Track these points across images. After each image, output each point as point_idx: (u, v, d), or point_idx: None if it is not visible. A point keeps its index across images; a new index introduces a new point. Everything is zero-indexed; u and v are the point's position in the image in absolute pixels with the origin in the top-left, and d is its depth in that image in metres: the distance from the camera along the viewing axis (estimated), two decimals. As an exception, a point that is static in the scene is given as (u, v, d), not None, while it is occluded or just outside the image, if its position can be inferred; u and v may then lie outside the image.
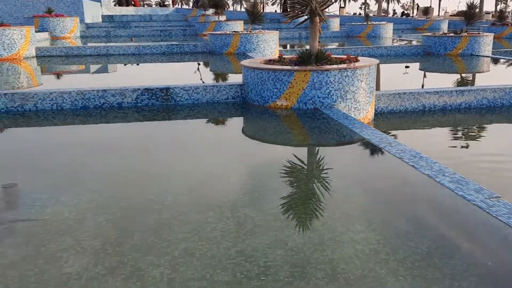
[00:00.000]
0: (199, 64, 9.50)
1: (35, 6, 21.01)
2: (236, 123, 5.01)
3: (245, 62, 5.31)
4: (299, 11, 5.10)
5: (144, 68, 9.33)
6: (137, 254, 1.99)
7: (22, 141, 4.18)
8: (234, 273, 1.84)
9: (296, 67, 4.67)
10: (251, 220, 2.31)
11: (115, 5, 34.69)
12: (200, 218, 2.34)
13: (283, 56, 5.53)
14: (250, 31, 9.99)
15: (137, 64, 9.48)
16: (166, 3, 41.44)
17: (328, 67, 4.56)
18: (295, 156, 3.52)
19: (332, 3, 5.22)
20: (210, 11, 20.26)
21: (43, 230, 2.24)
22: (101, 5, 26.65)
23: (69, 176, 3.05)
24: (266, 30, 10.63)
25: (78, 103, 4.96)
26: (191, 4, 44.81)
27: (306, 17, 5.14)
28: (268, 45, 9.73)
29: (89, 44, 12.23)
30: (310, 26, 5.24)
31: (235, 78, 7.57)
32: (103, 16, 25.45)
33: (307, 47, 5.84)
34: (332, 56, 5.18)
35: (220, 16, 16.29)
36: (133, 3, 33.33)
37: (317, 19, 5.12)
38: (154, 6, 54.78)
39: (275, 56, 6.06)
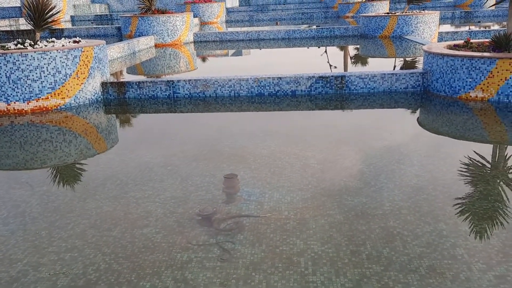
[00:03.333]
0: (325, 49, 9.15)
1: (182, -7, 22.49)
2: (415, 114, 4.64)
3: (427, 48, 4.85)
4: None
5: (296, 53, 9.29)
6: (378, 267, 1.83)
7: (206, 127, 4.37)
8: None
9: (499, 54, 4.09)
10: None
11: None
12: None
13: (470, 40, 4.94)
14: (407, 12, 9.28)
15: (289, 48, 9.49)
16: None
17: (544, 54, 3.91)
18: (486, 154, 3.09)
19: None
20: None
21: (269, 229, 2.20)
22: (239, -11, 27.52)
23: (269, 168, 3.04)
24: (425, 11, 9.77)
25: (254, 90, 5.04)
26: None
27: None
28: (428, 27, 8.94)
29: (242, 29, 12.64)
30: (510, 7, 4.56)
31: (386, 64, 7.11)
32: (240, 0, 26.26)
33: (466, 28, 5.12)
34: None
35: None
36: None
37: (522, -3, 4.43)
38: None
39: (456, 42, 5.45)
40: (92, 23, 16.89)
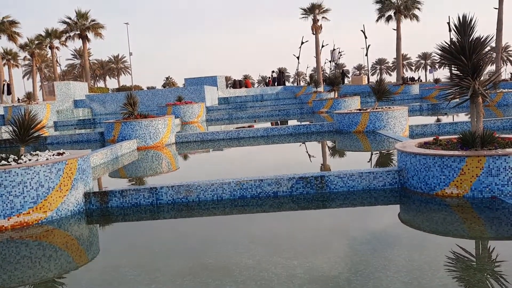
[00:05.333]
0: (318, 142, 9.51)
1: (164, 95, 23.49)
2: (395, 211, 4.74)
3: (400, 146, 5.11)
4: (460, 93, 4.86)
5: (275, 150, 9.58)
6: None
7: (190, 236, 4.34)
8: None
9: (467, 152, 4.34)
10: None
11: (229, 87, 37.46)
12: None
13: (439, 138, 5.24)
14: (378, 108, 9.86)
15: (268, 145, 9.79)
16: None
17: (508, 150, 4.16)
18: (469, 250, 3.16)
19: (498, 81, 4.90)
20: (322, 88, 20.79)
21: None
22: (217, 89, 28.96)
23: (255, 281, 2.99)
24: (395, 106, 10.39)
25: (236, 193, 5.12)
26: (266, 82, 46.73)
27: (467, 97, 4.87)
28: (399, 121, 9.46)
29: (222, 128, 13.10)
30: (471, 107, 4.94)
31: (363, 159, 7.39)
32: (219, 99, 27.50)
33: (435, 119, 5.48)
34: (499, 136, 4.77)
35: (336, 93, 16.54)
36: (245, 84, 35.72)
37: (480, 99, 4.82)
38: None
39: (426, 139, 5.76)
40: (75, 128, 17.25)
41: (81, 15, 49.62)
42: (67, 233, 4.70)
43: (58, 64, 66.23)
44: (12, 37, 46.45)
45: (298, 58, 49.08)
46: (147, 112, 11.64)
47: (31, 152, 5.29)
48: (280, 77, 40.28)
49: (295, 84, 52.58)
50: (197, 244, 4.02)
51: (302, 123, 12.52)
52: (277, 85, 38.43)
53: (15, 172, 4.48)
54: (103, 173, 7.47)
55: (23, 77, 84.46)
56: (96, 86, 67.76)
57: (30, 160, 4.87)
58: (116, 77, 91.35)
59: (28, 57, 65.24)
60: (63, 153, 5.28)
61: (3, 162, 4.71)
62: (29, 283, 3.43)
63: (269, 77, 45.37)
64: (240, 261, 3.38)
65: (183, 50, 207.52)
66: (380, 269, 2.98)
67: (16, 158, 4.88)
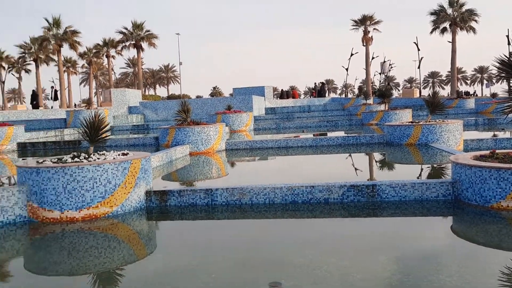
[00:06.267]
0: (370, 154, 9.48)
1: (212, 103, 24.11)
2: (448, 222, 4.72)
3: (455, 158, 5.09)
4: (518, 105, 4.81)
5: (324, 160, 9.66)
6: None
7: (244, 234, 4.54)
8: None
9: (524, 166, 4.29)
10: None
11: (276, 98, 37.84)
12: None
13: (496, 151, 5.17)
14: (431, 121, 9.72)
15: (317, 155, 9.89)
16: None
17: None
18: None
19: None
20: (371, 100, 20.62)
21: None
22: (264, 99, 29.33)
23: (309, 277, 3.14)
24: (448, 120, 10.21)
25: (288, 198, 5.28)
26: (311, 93, 46.06)
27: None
28: (453, 135, 9.28)
29: (271, 137, 13.34)
30: (530, 120, 4.85)
31: (413, 171, 7.33)
32: (266, 109, 27.83)
33: (491, 134, 5.37)
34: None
35: (386, 105, 16.38)
36: (292, 95, 35.93)
37: (540, 112, 4.74)
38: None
39: (481, 152, 5.68)
40: (130, 132, 18.09)
41: (137, 26, 51.95)
42: (130, 227, 5.04)
43: (113, 72, 69.43)
44: (73, 46, 49.31)
45: (347, 69, 48.77)
46: (198, 119, 12.06)
47: (98, 152, 5.72)
48: (322, 89, 40.21)
49: (343, 96, 52.15)
50: (251, 243, 4.22)
51: (351, 134, 12.53)
52: (319, 96, 38.38)
53: (87, 168, 4.89)
54: (159, 175, 7.86)
55: (80, 84, 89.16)
56: (148, 94, 70.40)
57: (98, 158, 5.28)
58: (166, 86, 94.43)
59: (86, 65, 68.89)
60: (127, 153, 5.67)
61: (76, 159, 5.14)
62: (94, 272, 3.74)
63: (313, 89, 45.43)
64: (293, 259, 3.54)
65: (229, 60, 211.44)
66: (433, 273, 3.04)
67: (87, 156, 5.31)
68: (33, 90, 37.61)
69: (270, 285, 2.87)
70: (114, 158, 5.30)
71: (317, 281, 3.04)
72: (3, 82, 63.18)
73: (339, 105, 29.24)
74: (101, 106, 26.13)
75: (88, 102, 19.81)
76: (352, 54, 47.62)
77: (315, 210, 5.14)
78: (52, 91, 35.91)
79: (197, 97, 63.45)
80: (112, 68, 65.46)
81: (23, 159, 10.85)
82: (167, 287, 3.19)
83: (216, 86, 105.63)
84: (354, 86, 63.72)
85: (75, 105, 57.11)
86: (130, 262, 4.02)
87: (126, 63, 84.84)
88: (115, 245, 4.49)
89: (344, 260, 3.43)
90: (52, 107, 32.17)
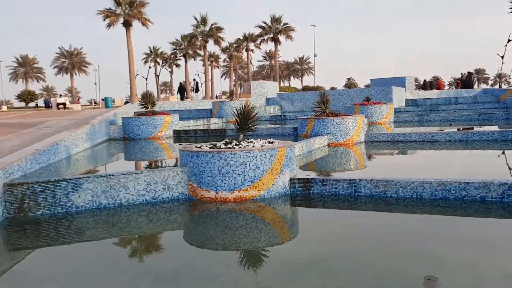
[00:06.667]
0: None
1: (349, 95, 23.71)
2: None
3: None
4: None
5: (476, 156, 8.84)
6: None
7: (390, 227, 4.44)
8: None
9: None
10: None
11: (418, 89, 35.60)
12: None
13: None
14: None
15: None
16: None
17: None
18: None
19: None
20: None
21: None
22: (405, 90, 27.79)
23: (467, 275, 2.95)
24: None
25: (438, 193, 5.00)
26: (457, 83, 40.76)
27: None
28: None
29: (414, 130, 12.68)
30: None
31: None
32: (407, 100, 26.33)
33: None
34: None
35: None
36: (437, 86, 33.37)
37: None
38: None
39: None
40: (268, 123, 18.86)
41: (275, 20, 53.58)
42: (275, 211, 5.32)
43: (251, 65, 72.86)
44: (217, 41, 53.07)
45: (502, 57, 43.43)
46: (336, 111, 12.00)
47: (246, 139, 6.11)
48: (469, 79, 36.37)
49: (496, 87, 46.67)
50: (399, 236, 4.12)
51: (510, 129, 11.20)
52: (465, 87, 34.83)
53: (238, 154, 5.29)
54: (299, 164, 8.08)
55: (221, 76, 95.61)
56: (283, 86, 72.33)
57: (247, 146, 5.66)
58: (300, 78, 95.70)
59: (227, 59, 73.55)
60: (273, 142, 5.96)
61: (229, 145, 5.59)
62: (243, 249, 4.06)
63: (458, 79, 41.38)
64: (448, 255, 3.38)
65: (362, 50, 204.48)
66: None
67: (237, 143, 5.73)
68: (180, 83, 41.51)
69: (426, 278, 2.79)
70: (262, 146, 5.63)
71: (474, 278, 2.86)
72: (158, 76, 71.09)
73: (493, 96, 26.22)
74: (239, 97, 27.66)
75: (231, 94, 21.18)
76: (509, 40, 42.11)
77: (469, 208, 4.77)
78: (194, 83, 39.12)
79: (331, 88, 63.04)
80: (250, 61, 68.78)
81: (180, 144, 12.14)
82: (313, 270, 3.31)
83: (350, 77, 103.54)
84: (510, 76, 56.45)
85: (216, 96, 61.53)
86: (275, 244, 4.26)
87: (263, 56, 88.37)
88: (262, 227, 4.79)
89: (508, 262, 3.15)
90: (191, 99, 35.12)
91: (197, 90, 38.97)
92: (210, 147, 5.67)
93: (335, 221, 4.88)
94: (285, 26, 54.20)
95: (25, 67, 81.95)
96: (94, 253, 4.15)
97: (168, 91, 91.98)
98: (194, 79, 43.61)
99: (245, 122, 5.94)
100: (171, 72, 73.26)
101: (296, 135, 11.73)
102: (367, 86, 32.12)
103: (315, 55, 62.67)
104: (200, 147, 5.75)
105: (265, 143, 5.88)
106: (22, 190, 5.00)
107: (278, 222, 5.04)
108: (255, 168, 5.32)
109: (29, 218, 5.00)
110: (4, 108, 45.24)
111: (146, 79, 59.94)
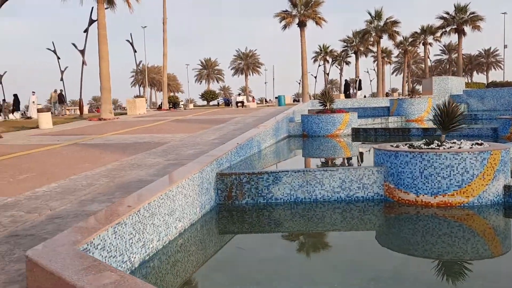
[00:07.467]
0: None
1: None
2: None
3: None
4: None
5: None
6: None
7: None
8: None
9: None
10: None
11: None
12: None
13: None
14: None
15: None
16: None
17: None
18: None
19: None
20: None
21: None
22: None
23: None
24: None
25: None
26: None
27: None
28: None
29: None
30: None
31: None
32: None
33: None
34: None
35: None
36: None
37: None
38: None
39: None
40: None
41: (460, 9, 48.63)
42: (485, 221, 4.76)
43: (429, 60, 67.80)
44: (392, 36, 50.72)
45: None
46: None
47: (447, 141, 5.60)
48: None
49: None
50: None
51: None
52: None
53: (444, 156, 4.88)
54: None
55: (392, 73, 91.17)
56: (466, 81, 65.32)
57: (452, 147, 5.18)
58: (485, 72, 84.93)
59: (400, 54, 69.79)
60: (482, 143, 5.33)
61: (432, 146, 5.21)
62: (446, 259, 3.71)
63: None
64: None
65: None
66: None
67: (439, 144, 5.29)
68: (346, 80, 40.96)
69: None
70: (471, 147, 5.09)
71: None
72: (328, 74, 71.69)
73: None
74: (418, 95, 25.93)
75: (411, 91, 19.96)
76: None
77: None
78: (357, 80, 38.11)
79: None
80: (428, 56, 64.03)
81: (363, 143, 11.97)
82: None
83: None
84: None
85: (387, 94, 59.01)
86: (485, 257, 3.83)
87: (440, 50, 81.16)
88: (469, 237, 4.35)
89: None
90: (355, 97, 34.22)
91: (359, 88, 38.04)
92: (409, 147, 5.37)
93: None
94: (472, 15, 48.69)
95: (208, 69, 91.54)
96: (291, 244, 4.33)
97: (334, 89, 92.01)
98: (358, 76, 42.61)
99: (449, 121, 5.45)
100: (341, 70, 73.03)
101: (495, 136, 10.41)
102: None
103: (505, 47, 54.86)
104: (396, 147, 5.49)
105: (473, 144, 5.30)
106: (231, 180, 5.50)
107: (488, 233, 4.51)
108: (464, 172, 4.83)
109: (235, 205, 5.49)
110: (191, 106, 51.44)
111: (316, 77, 60.93)
